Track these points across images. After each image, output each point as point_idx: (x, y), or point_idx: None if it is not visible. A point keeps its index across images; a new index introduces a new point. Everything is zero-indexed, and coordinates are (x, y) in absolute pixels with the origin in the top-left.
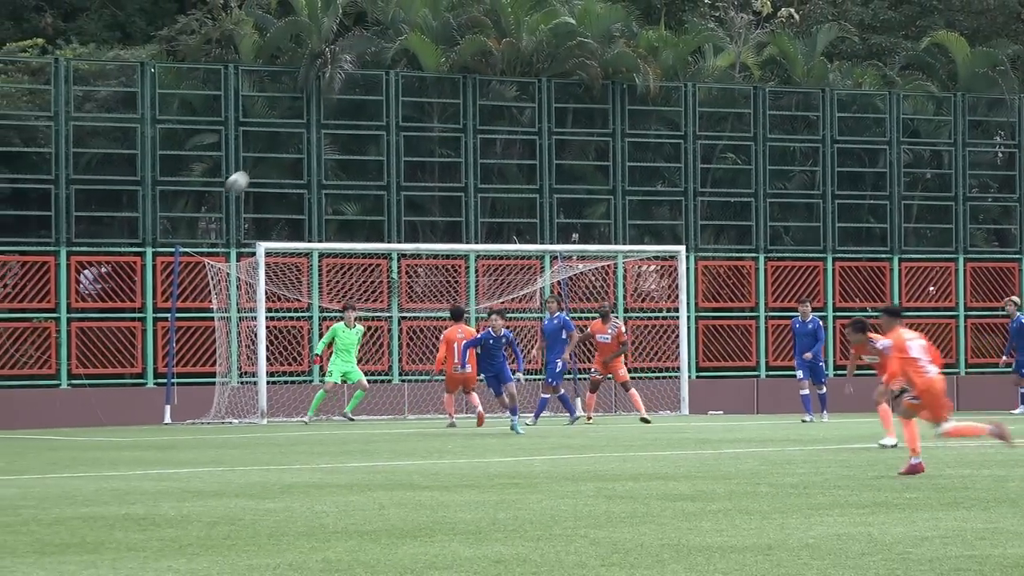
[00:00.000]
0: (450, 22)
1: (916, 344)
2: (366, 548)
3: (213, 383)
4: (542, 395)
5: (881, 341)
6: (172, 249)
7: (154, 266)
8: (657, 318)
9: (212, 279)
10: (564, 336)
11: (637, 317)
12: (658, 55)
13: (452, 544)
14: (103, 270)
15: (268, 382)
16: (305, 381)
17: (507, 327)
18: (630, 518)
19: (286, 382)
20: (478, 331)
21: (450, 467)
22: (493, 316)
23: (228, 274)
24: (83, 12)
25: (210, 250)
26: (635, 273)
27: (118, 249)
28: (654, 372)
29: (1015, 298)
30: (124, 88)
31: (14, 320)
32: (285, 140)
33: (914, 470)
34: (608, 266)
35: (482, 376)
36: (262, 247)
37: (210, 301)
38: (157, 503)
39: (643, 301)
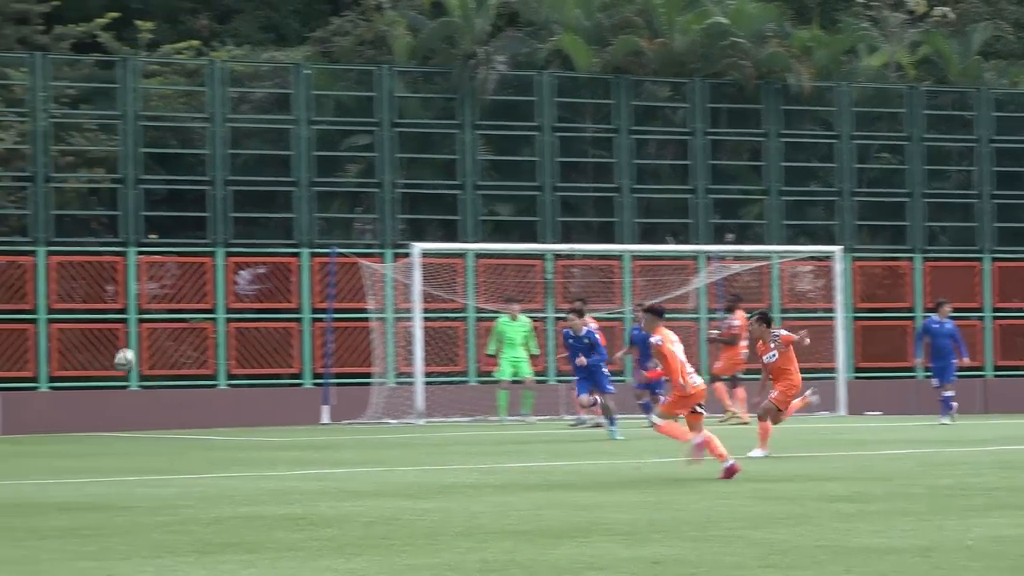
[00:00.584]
0: (602, 22)
1: (680, 348)
2: (523, 549)
3: (370, 383)
4: (640, 401)
5: (776, 332)
6: (328, 250)
7: (310, 267)
8: (813, 318)
9: (368, 280)
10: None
11: (793, 317)
12: (811, 55)
13: (609, 545)
14: (260, 271)
15: (424, 382)
16: (462, 382)
17: (595, 325)
18: (787, 519)
19: (442, 382)
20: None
21: (607, 468)
22: (571, 315)
23: (384, 275)
24: (238, 14)
25: (366, 251)
26: (790, 274)
27: (274, 250)
28: (811, 373)
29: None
30: (279, 89)
31: (172, 321)
32: (439, 141)
33: (730, 472)
34: (763, 267)
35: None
36: (417, 248)
37: (366, 301)
38: (315, 503)
39: (798, 301)
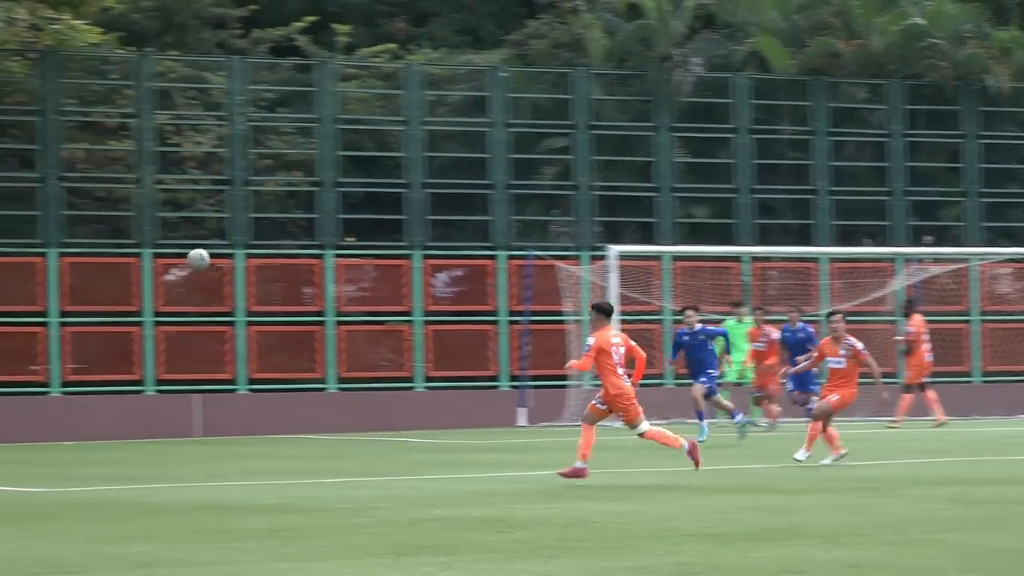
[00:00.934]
0: (799, 24)
1: (619, 350)
2: (720, 552)
3: (566, 386)
4: (800, 407)
5: (850, 341)
6: (524, 252)
7: (507, 269)
8: (1012, 321)
9: (564, 282)
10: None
11: (992, 320)
12: (1010, 56)
13: (807, 548)
14: (456, 273)
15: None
16: (656, 384)
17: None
18: (987, 523)
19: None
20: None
21: (801, 471)
22: (687, 312)
23: (580, 277)
24: (434, 17)
25: (562, 253)
26: (989, 276)
27: (471, 252)
28: (1011, 376)
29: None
30: (475, 92)
31: (370, 323)
32: (635, 143)
33: (576, 473)
34: (961, 269)
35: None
36: (614, 250)
37: (562, 304)
38: (512, 505)
39: (997, 304)
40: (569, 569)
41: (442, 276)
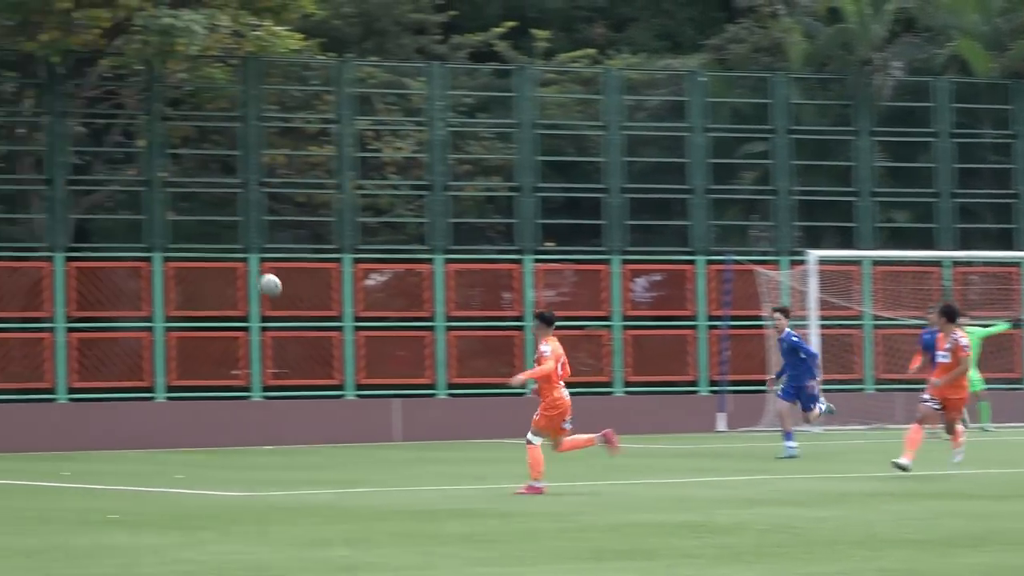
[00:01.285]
0: (1000, 27)
1: (563, 361)
2: (921, 557)
3: (765, 391)
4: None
5: (957, 336)
6: (724, 257)
7: (705, 274)
8: None
9: (763, 287)
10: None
11: None
12: None
13: (1008, 554)
14: (655, 278)
15: (821, 389)
16: (858, 389)
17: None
18: None
19: (838, 390)
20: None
21: (1002, 477)
22: (776, 314)
23: (779, 282)
24: (633, 22)
25: (761, 258)
26: None
27: (670, 257)
28: None
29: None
30: (674, 97)
31: (569, 328)
32: (834, 147)
33: (533, 491)
34: None
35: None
36: (813, 255)
37: (761, 309)
38: (712, 510)
39: None
40: (768, 575)
41: (641, 281)
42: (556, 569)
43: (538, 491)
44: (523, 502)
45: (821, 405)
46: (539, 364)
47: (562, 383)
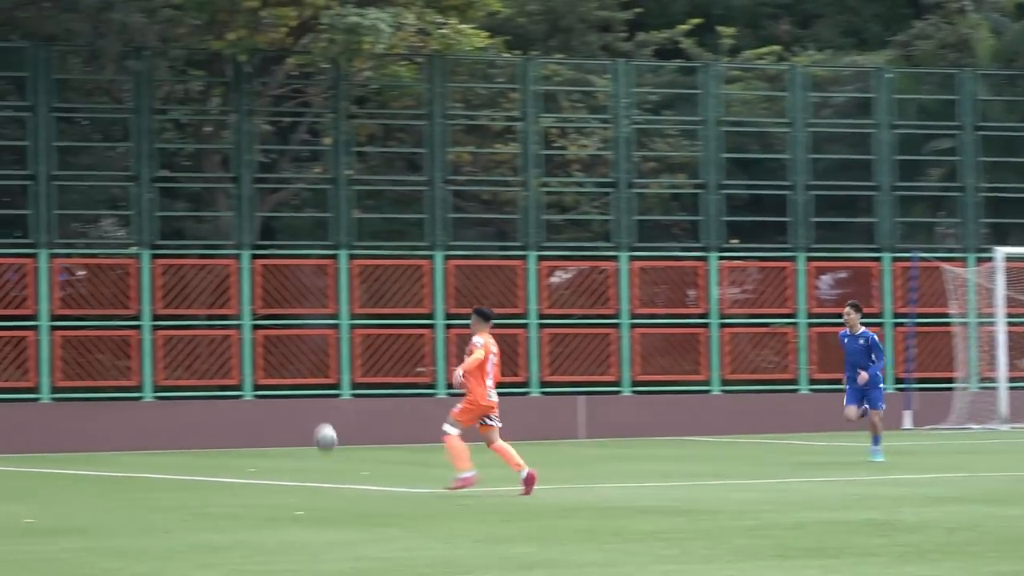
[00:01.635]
0: None
1: (493, 359)
2: None
3: (952, 388)
4: None
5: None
6: (910, 255)
7: (891, 271)
8: None
9: (950, 284)
10: None
11: None
12: None
13: None
14: (840, 275)
15: (1008, 387)
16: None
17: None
18: None
19: (1021, 387)
20: None
21: None
22: (847, 309)
23: (966, 279)
24: (819, 19)
25: (947, 255)
26: None
27: (855, 254)
28: None
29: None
30: (860, 94)
31: (753, 325)
32: (1022, 144)
33: (465, 484)
34: None
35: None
36: (1000, 252)
37: (948, 306)
38: (897, 508)
39: None
40: (955, 573)
41: (826, 278)
42: (740, 568)
43: (468, 482)
44: (708, 501)
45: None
46: (469, 355)
47: (490, 383)
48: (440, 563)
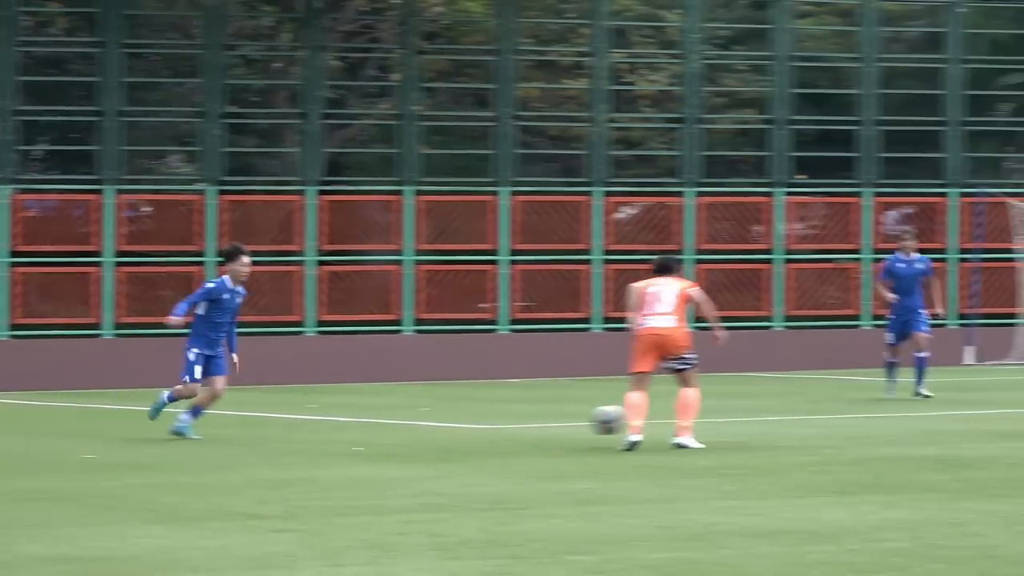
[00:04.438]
0: None
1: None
2: None
3: (1015, 324)
4: None
5: None
6: (977, 190)
7: (958, 207)
8: None
9: (1016, 220)
10: None
11: None
12: None
13: None
14: (907, 211)
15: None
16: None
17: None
18: None
19: None
20: None
21: None
22: (904, 235)
23: None
24: None
25: (1015, 191)
26: None
27: (923, 190)
28: None
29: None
30: (932, 28)
31: (818, 261)
32: None
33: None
34: None
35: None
36: None
37: (1013, 242)
38: (959, 444)
39: None
40: (1015, 509)
41: (892, 214)
42: (799, 503)
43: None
44: (769, 437)
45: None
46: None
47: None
48: (501, 499)
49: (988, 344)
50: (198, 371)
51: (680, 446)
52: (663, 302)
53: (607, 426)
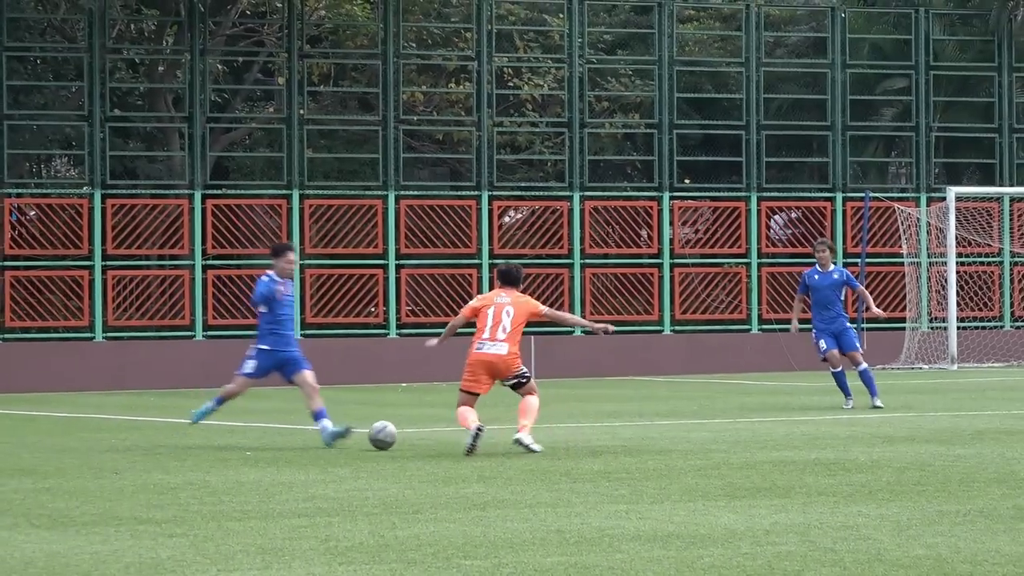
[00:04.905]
0: None
1: None
2: None
3: (903, 328)
4: None
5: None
6: (862, 195)
7: (844, 211)
8: None
9: (902, 224)
10: None
11: None
12: None
13: None
14: (793, 215)
15: (958, 327)
16: (996, 327)
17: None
18: None
19: (976, 327)
20: None
21: None
22: (821, 246)
23: (918, 219)
24: None
25: (900, 195)
26: None
27: (808, 194)
28: None
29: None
30: (814, 33)
31: (706, 266)
32: (975, 84)
33: None
34: None
35: None
36: (952, 191)
37: (900, 246)
38: (848, 448)
39: None
40: (904, 512)
41: (778, 218)
42: (690, 507)
43: None
44: (659, 441)
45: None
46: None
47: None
48: (391, 502)
49: (876, 348)
50: (250, 365)
51: (519, 442)
52: (502, 327)
53: (376, 441)
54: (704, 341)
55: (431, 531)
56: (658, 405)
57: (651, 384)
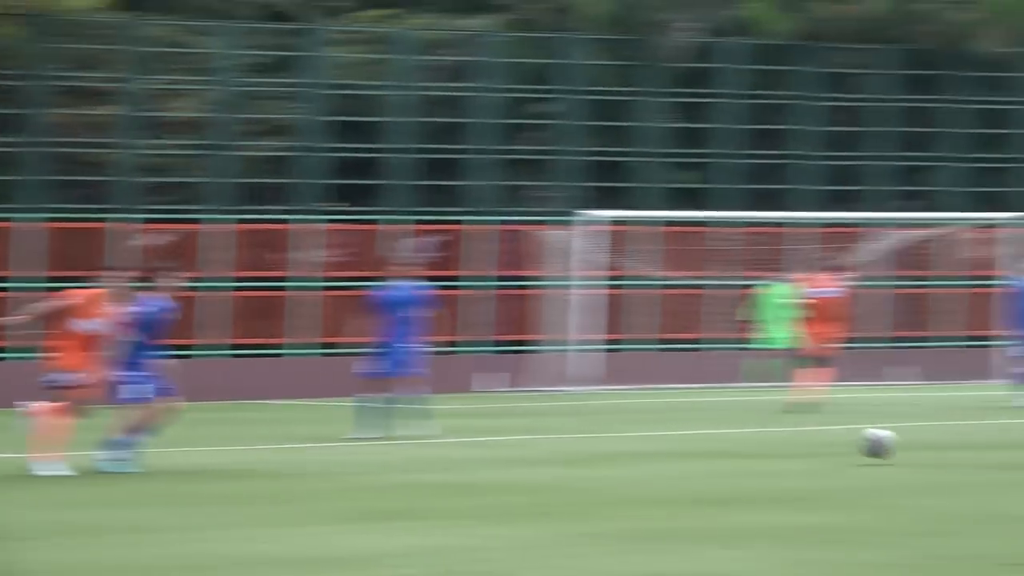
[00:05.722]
0: None
1: None
2: (684, 515)
3: (536, 351)
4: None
5: None
6: (505, 218)
7: (487, 235)
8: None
9: (542, 248)
10: None
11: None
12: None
13: (755, 513)
14: (446, 239)
15: (581, 350)
16: (633, 350)
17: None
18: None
19: (614, 349)
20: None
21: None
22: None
23: (556, 243)
24: None
25: (541, 219)
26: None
27: (451, 218)
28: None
29: None
30: (464, 57)
31: (353, 289)
32: (624, 108)
33: None
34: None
35: None
36: (589, 215)
37: (537, 269)
38: (476, 471)
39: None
40: (538, 533)
41: (424, 241)
42: (324, 531)
43: None
44: (287, 465)
45: None
46: None
47: None
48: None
49: (504, 371)
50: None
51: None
52: None
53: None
54: (341, 364)
55: (47, 559)
56: (288, 428)
57: (278, 407)
